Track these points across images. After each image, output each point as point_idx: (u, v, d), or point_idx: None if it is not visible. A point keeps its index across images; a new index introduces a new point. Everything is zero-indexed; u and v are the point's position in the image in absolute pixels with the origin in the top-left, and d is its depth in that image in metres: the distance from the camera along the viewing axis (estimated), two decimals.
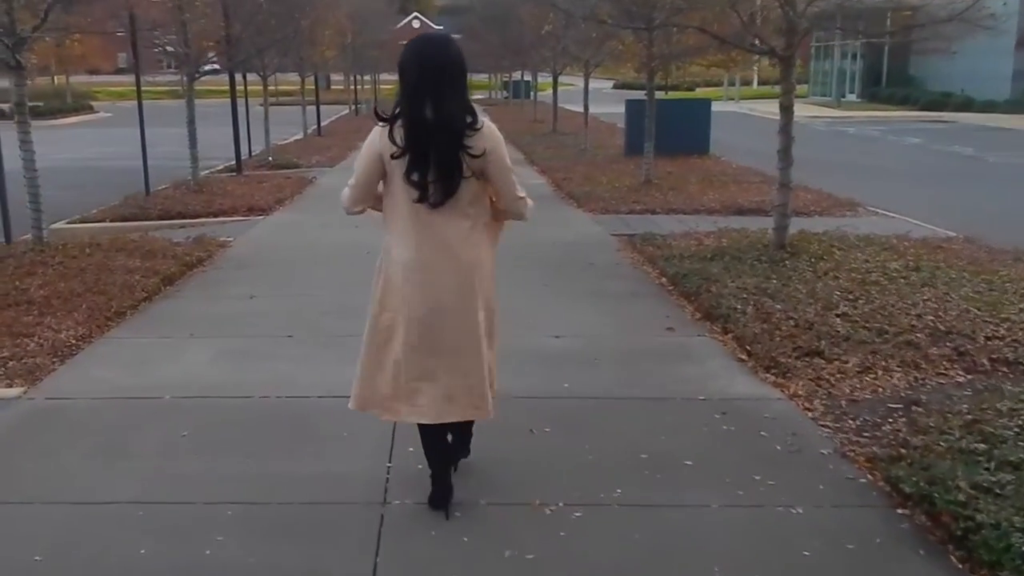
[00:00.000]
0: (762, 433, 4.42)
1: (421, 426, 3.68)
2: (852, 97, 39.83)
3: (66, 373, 5.49)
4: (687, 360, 5.62)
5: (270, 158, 17.62)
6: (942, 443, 4.05)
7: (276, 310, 6.93)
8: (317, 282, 7.86)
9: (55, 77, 43.09)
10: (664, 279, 7.69)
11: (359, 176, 3.58)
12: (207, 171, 15.02)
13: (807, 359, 5.36)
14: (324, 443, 4.40)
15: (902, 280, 7.09)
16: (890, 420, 4.49)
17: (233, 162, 16.10)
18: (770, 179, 13.53)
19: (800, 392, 4.93)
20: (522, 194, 3.63)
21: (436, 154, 3.44)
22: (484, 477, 4.01)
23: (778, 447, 4.26)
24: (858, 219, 10.84)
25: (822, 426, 4.51)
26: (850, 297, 6.57)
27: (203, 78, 13.49)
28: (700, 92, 40.42)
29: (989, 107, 31.98)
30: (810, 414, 4.68)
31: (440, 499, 3.73)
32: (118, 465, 4.19)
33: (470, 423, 3.90)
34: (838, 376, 5.12)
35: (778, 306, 6.34)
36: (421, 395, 3.56)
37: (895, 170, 17.45)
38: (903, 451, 4.04)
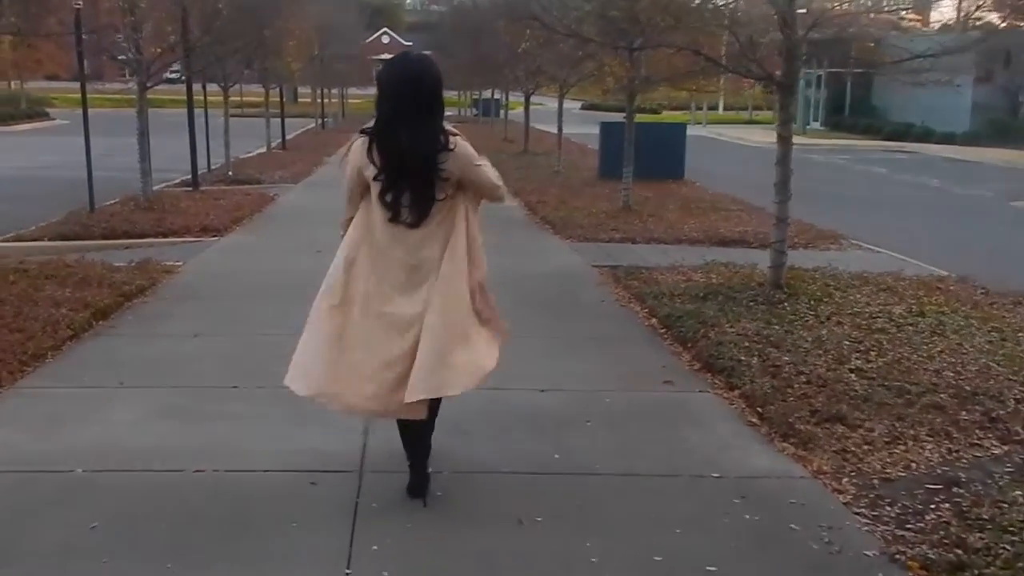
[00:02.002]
0: (792, 526, 3.76)
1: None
2: (816, 125, 39.93)
3: None
4: (692, 423, 4.96)
5: (229, 173, 16.71)
6: (1006, 546, 3.48)
7: (223, 352, 6.12)
8: (273, 318, 6.83)
9: (11, 83, 41.58)
10: (655, 320, 7.05)
11: (350, 191, 3.75)
12: (162, 185, 14.13)
13: (827, 425, 4.77)
14: (267, 538, 3.59)
15: (910, 327, 6.69)
16: (932, 506, 3.92)
17: (190, 176, 15.17)
18: (748, 207, 13.15)
19: (826, 468, 4.31)
20: (499, 182, 3.79)
21: (410, 178, 3.57)
22: None
23: (814, 546, 3.60)
24: (843, 253, 10.40)
25: (857, 514, 3.88)
26: (861, 348, 6.09)
27: (162, 86, 12.58)
28: (666, 116, 40.00)
29: (948, 139, 32.18)
30: (841, 497, 4.04)
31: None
32: None
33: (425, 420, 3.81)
34: (865, 448, 4.53)
35: (785, 357, 5.78)
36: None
37: (868, 200, 17.13)
38: (960, 553, 3.45)
